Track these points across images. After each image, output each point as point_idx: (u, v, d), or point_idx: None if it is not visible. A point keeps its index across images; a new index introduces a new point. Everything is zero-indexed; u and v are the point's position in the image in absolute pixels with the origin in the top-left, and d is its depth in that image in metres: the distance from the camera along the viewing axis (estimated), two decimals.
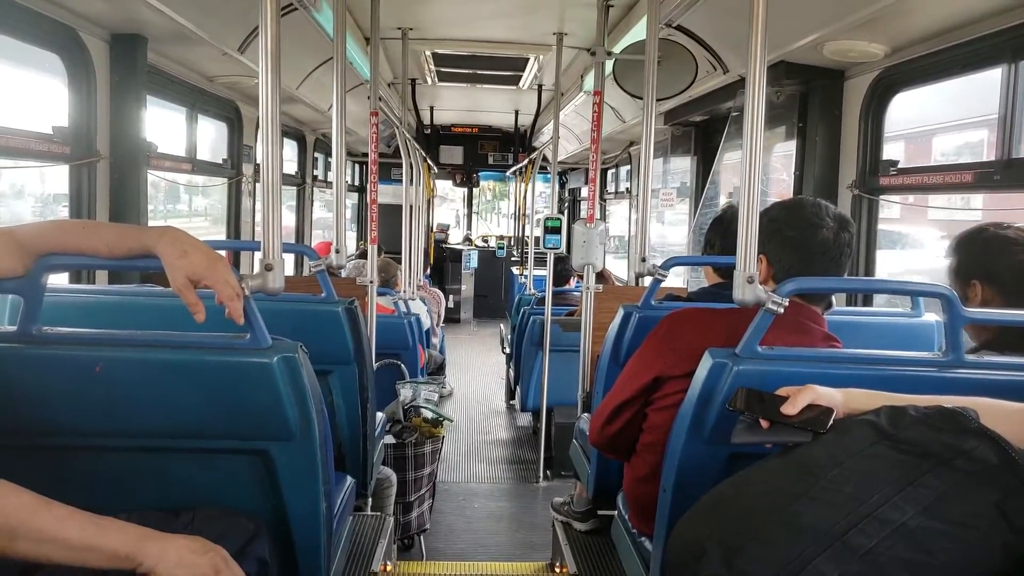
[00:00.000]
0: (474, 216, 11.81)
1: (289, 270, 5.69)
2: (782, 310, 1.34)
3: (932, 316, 2.10)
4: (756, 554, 0.98)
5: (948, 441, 0.98)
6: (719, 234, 2.23)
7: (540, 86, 6.38)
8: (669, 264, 2.37)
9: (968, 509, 0.93)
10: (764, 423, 1.14)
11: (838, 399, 1.14)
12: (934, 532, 0.92)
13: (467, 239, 11.10)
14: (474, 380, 7.25)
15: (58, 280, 2.54)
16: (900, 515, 0.94)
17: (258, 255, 1.41)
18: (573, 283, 5.60)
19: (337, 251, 2.57)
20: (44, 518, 1.03)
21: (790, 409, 1.11)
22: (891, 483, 0.97)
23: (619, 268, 7.74)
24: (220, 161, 4.41)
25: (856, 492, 0.97)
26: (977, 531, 0.92)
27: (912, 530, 0.93)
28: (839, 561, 0.94)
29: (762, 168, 1.43)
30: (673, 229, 5.81)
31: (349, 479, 2.12)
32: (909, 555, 0.92)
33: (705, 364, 1.40)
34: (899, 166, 2.80)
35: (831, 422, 1.09)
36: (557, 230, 4.41)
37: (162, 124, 3.83)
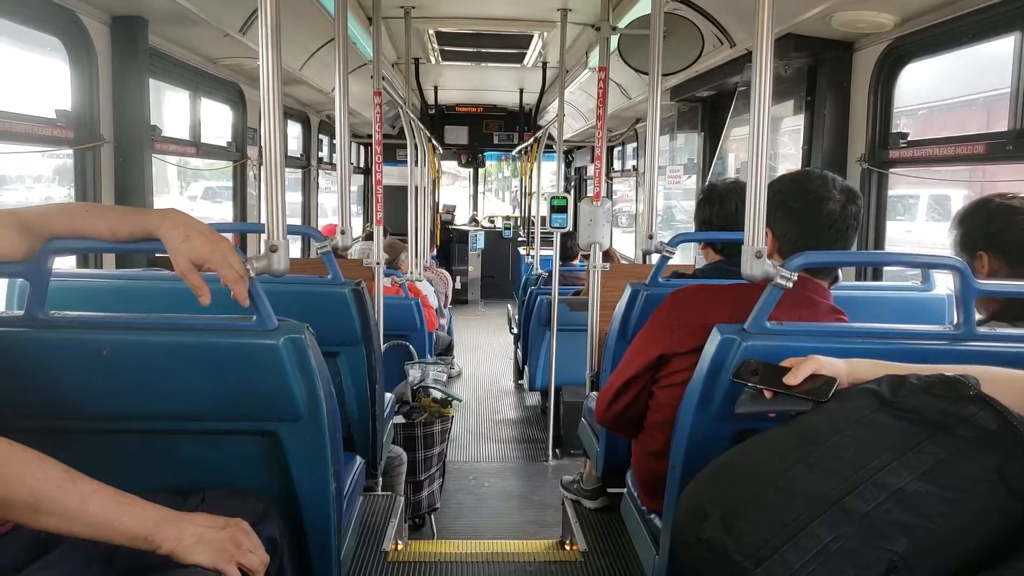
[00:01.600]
0: (482, 195, 11.77)
1: (296, 252, 5.69)
2: (791, 285, 1.33)
3: (943, 289, 2.08)
4: (754, 517, 0.99)
5: (948, 408, 0.98)
6: (715, 213, 2.22)
7: (545, 63, 6.32)
8: (676, 241, 2.35)
9: (967, 474, 0.94)
10: (768, 393, 1.15)
11: (842, 369, 1.14)
12: (932, 497, 0.93)
13: (473, 220, 11.08)
14: (483, 360, 7.27)
15: (66, 264, 2.55)
16: (898, 480, 0.95)
17: (264, 237, 1.40)
18: (578, 261, 5.59)
19: (343, 232, 2.56)
20: (69, 494, 1.04)
21: (792, 379, 1.12)
22: (890, 449, 0.97)
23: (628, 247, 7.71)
24: (225, 144, 4.40)
25: (855, 458, 0.98)
26: (976, 496, 0.93)
27: (909, 495, 0.93)
28: (836, 524, 0.94)
29: (770, 143, 1.41)
30: (683, 206, 5.77)
31: (359, 459, 2.13)
32: (906, 519, 0.93)
33: (714, 340, 1.39)
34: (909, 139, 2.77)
35: (833, 391, 1.09)
36: (563, 209, 4.38)
37: (167, 107, 3.82)
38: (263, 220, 1.42)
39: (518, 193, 11.41)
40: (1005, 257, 1.62)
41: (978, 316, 1.64)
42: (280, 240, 1.37)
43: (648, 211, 2.71)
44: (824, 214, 1.57)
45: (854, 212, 1.58)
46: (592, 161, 3.80)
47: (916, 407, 1.00)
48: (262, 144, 1.40)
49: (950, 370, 1.06)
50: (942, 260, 1.45)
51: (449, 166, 11.57)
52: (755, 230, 1.38)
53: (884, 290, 2.20)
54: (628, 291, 2.26)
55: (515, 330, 6.33)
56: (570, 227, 4.37)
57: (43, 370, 1.33)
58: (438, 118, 8.94)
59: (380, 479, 2.80)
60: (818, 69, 3.12)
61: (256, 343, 1.34)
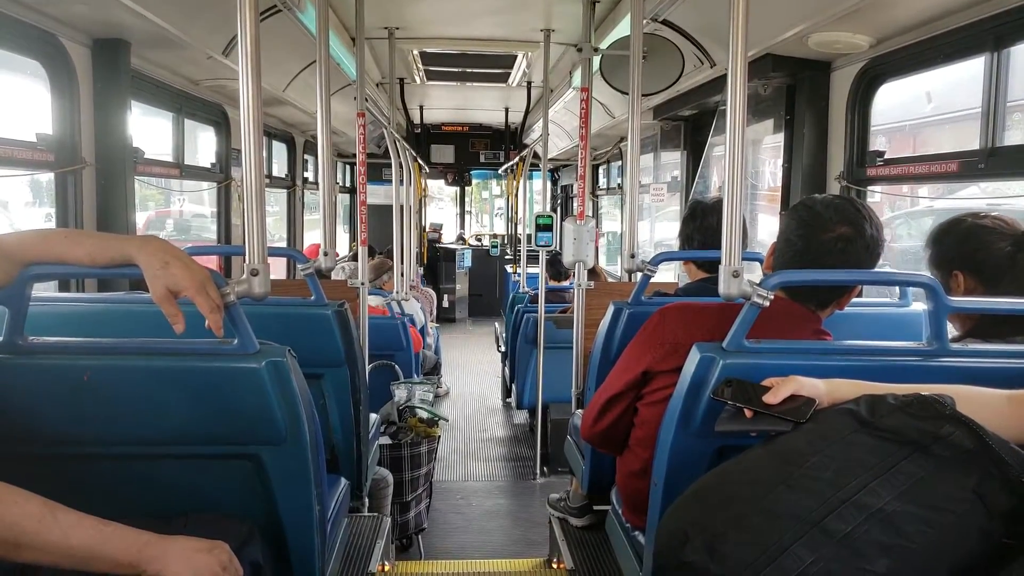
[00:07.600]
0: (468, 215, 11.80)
1: (281, 273, 5.67)
2: (767, 303, 1.34)
3: (920, 305, 2.11)
4: (736, 540, 1.00)
5: (925, 428, 0.99)
6: (696, 229, 2.24)
7: (529, 83, 6.37)
8: (658, 259, 2.37)
9: (945, 494, 0.94)
10: (747, 412, 1.16)
11: (821, 389, 1.15)
12: (911, 516, 0.94)
13: (460, 238, 11.10)
14: (470, 379, 7.25)
15: (47, 289, 2.53)
16: (877, 500, 0.95)
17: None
18: (569, 282, 5.61)
19: (326, 254, 2.56)
20: (49, 527, 1.03)
21: (771, 399, 1.13)
22: (869, 469, 0.98)
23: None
24: (208, 165, 4.40)
25: (834, 479, 0.99)
26: (954, 515, 0.93)
27: (889, 515, 0.94)
28: (816, 546, 0.95)
29: (747, 162, 1.44)
30: (668, 224, 5.81)
31: (343, 481, 2.12)
32: (886, 539, 0.93)
33: (693, 358, 1.40)
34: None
35: (811, 412, 1.10)
36: (548, 227, 4.41)
37: (150, 129, 3.82)
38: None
39: (503, 212, 11.45)
40: (980, 276, 1.63)
41: (954, 333, 1.66)
42: (260, 264, 1.37)
43: (630, 229, 2.74)
44: (831, 264, 1.52)
45: (863, 245, 1.51)
46: (578, 179, 3.83)
47: (893, 426, 1.01)
48: (243, 167, 1.41)
49: (927, 389, 1.07)
50: (915, 278, 1.47)
51: (431, 189, 11.60)
52: (732, 249, 1.40)
53: (864, 306, 2.23)
54: (611, 309, 2.28)
55: (503, 348, 6.33)
56: (556, 246, 4.39)
57: (23, 397, 1.32)
58: (424, 137, 8.98)
59: (366, 500, 2.78)
60: (796, 88, 3.17)
61: (237, 367, 1.34)
